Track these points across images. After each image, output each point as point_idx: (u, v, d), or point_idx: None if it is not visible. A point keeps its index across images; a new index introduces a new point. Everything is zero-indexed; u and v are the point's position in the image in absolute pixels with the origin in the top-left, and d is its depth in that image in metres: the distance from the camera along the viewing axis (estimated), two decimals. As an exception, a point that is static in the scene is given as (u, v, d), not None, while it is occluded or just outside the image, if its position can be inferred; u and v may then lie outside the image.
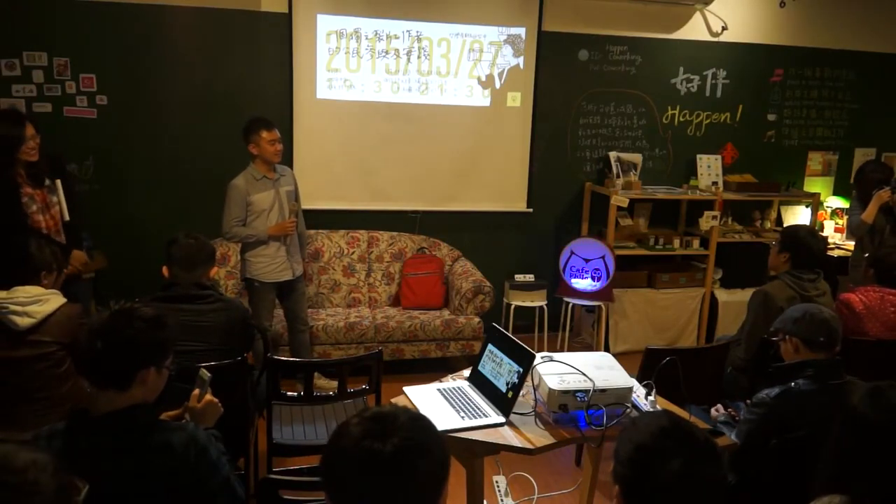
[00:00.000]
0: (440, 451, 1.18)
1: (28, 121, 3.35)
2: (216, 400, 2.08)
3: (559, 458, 3.61)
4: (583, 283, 4.94)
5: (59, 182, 3.53)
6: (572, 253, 4.97)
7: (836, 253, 5.44)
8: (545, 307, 5.08)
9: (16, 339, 2.48)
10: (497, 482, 3.12)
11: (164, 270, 2.81)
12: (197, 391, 2.05)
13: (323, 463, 1.18)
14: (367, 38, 4.82)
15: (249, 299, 3.95)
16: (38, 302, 2.53)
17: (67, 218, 3.56)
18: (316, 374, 4.08)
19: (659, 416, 1.37)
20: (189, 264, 2.76)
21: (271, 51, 4.73)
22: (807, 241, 3.35)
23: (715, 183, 5.44)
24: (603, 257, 4.89)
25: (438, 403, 2.46)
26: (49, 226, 3.44)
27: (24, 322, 2.48)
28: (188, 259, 2.76)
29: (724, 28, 5.41)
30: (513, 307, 5.04)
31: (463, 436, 2.27)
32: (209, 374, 2.09)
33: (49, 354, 2.53)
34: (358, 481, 1.14)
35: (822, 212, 5.84)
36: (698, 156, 5.51)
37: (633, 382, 2.47)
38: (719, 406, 2.87)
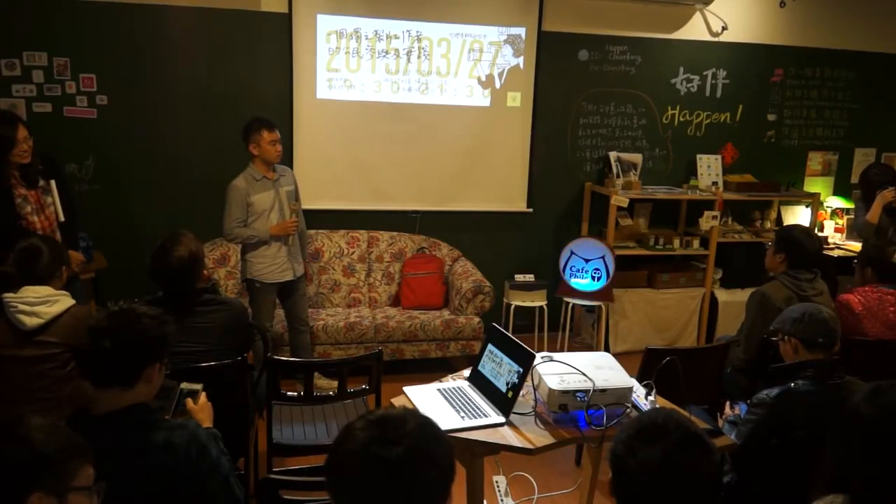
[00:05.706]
0: (446, 459, 1.18)
1: (21, 122, 3.33)
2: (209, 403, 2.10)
3: (559, 458, 3.60)
4: (583, 283, 4.94)
5: (53, 183, 3.51)
6: (572, 253, 4.97)
7: (836, 253, 5.44)
8: (545, 307, 5.08)
9: (23, 339, 2.48)
10: (497, 482, 3.12)
11: None
12: (189, 400, 2.06)
13: (327, 465, 1.18)
14: (367, 38, 4.82)
15: (250, 300, 3.95)
16: (46, 303, 2.52)
17: (62, 219, 3.54)
18: (316, 374, 4.09)
19: (644, 412, 1.37)
20: (175, 282, 2.68)
21: (271, 51, 4.72)
22: (802, 241, 3.34)
23: (715, 183, 5.44)
24: (603, 257, 4.89)
25: (438, 403, 2.46)
26: (44, 227, 3.43)
27: (31, 322, 2.47)
28: (172, 281, 2.67)
29: (724, 28, 5.41)
30: (513, 307, 5.04)
31: (463, 436, 2.27)
32: (198, 385, 2.10)
33: (54, 356, 2.52)
34: (361, 486, 1.13)
35: (822, 212, 5.83)
36: (698, 156, 5.50)
37: (633, 382, 2.47)
38: (735, 406, 2.86)
